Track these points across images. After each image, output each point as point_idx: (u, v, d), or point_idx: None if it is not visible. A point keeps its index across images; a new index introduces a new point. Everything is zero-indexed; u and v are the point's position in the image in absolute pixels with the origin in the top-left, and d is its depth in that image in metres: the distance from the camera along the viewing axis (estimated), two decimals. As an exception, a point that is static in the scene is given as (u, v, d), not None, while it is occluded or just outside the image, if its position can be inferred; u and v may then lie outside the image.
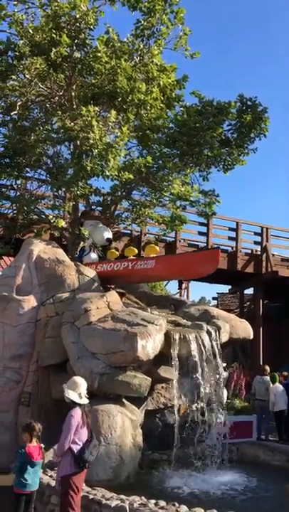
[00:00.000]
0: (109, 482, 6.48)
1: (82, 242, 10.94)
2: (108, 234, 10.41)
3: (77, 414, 5.08)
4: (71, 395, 5.21)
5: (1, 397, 8.10)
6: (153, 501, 5.38)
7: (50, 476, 6.09)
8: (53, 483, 5.80)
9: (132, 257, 10.18)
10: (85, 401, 5.24)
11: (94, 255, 10.43)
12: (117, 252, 10.49)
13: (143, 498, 5.48)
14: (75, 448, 4.98)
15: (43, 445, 5.59)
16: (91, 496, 5.41)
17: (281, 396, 10.35)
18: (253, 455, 8.82)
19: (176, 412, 8.03)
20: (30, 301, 8.57)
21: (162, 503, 5.33)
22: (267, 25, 51.01)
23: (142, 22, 11.02)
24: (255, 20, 50.21)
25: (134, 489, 6.12)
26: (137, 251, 10.49)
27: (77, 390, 5.25)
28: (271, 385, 10.56)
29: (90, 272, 9.31)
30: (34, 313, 8.53)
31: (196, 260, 9.33)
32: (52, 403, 8.06)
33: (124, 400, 7.52)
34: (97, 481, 6.05)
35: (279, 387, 10.50)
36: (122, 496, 5.49)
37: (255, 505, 6.28)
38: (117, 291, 9.09)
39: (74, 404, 5.17)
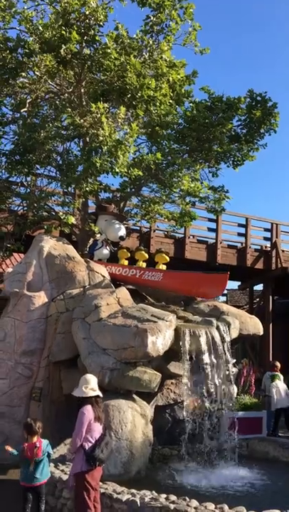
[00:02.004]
0: (120, 477, 6.53)
1: (91, 239, 10.99)
2: (122, 232, 10.45)
3: (88, 410, 5.04)
4: (76, 392, 5.21)
5: (13, 392, 8.19)
6: (164, 496, 5.40)
7: (62, 471, 6.15)
8: (64, 477, 5.86)
9: (141, 263, 10.28)
10: (91, 393, 5.16)
11: (106, 251, 10.49)
12: (128, 253, 10.56)
13: (154, 492, 5.51)
14: (87, 445, 4.96)
15: (45, 440, 5.59)
16: (102, 490, 5.44)
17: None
18: (263, 451, 8.82)
19: (185, 408, 8.06)
20: (40, 297, 8.64)
21: (173, 497, 5.36)
22: (277, 23, 50.53)
23: (151, 18, 10.99)
24: (265, 17, 49.74)
25: (145, 484, 6.15)
26: (147, 256, 10.57)
27: (85, 385, 5.20)
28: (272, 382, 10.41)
29: (100, 269, 9.36)
30: (45, 309, 8.60)
31: (204, 282, 9.45)
32: (63, 398, 8.14)
33: (134, 396, 7.57)
34: (108, 476, 6.09)
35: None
36: (133, 490, 5.52)
37: (265, 500, 6.28)
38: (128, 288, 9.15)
39: (84, 400, 5.15)
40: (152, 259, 10.57)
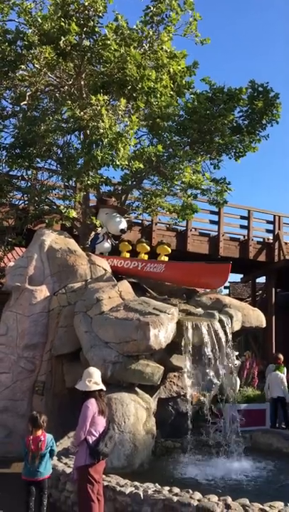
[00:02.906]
0: (123, 469, 6.53)
1: (93, 233, 10.96)
2: (123, 225, 10.41)
3: (92, 404, 5.02)
4: (79, 385, 5.19)
5: (16, 386, 8.20)
6: (167, 488, 5.40)
7: (65, 464, 6.16)
8: (67, 470, 5.87)
9: (143, 255, 10.24)
10: (95, 387, 5.14)
11: (107, 244, 10.46)
12: (129, 246, 10.52)
13: (157, 485, 5.51)
14: (91, 439, 4.95)
15: (49, 435, 5.57)
16: (105, 483, 5.45)
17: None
18: (267, 443, 8.82)
19: (188, 400, 8.06)
20: (42, 291, 8.63)
21: (176, 490, 5.35)
22: (276, 11, 49.90)
23: (151, 8, 10.90)
24: (264, 4, 49.19)
25: (148, 476, 6.14)
26: (148, 248, 10.54)
27: (88, 378, 5.18)
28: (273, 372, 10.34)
29: (102, 262, 9.34)
30: (47, 303, 8.59)
31: (206, 272, 9.39)
32: (65, 392, 8.15)
33: (137, 389, 7.56)
34: (111, 469, 6.09)
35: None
36: (136, 483, 5.53)
37: (268, 492, 6.28)
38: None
39: (88, 394, 5.14)
40: (154, 252, 10.53)
